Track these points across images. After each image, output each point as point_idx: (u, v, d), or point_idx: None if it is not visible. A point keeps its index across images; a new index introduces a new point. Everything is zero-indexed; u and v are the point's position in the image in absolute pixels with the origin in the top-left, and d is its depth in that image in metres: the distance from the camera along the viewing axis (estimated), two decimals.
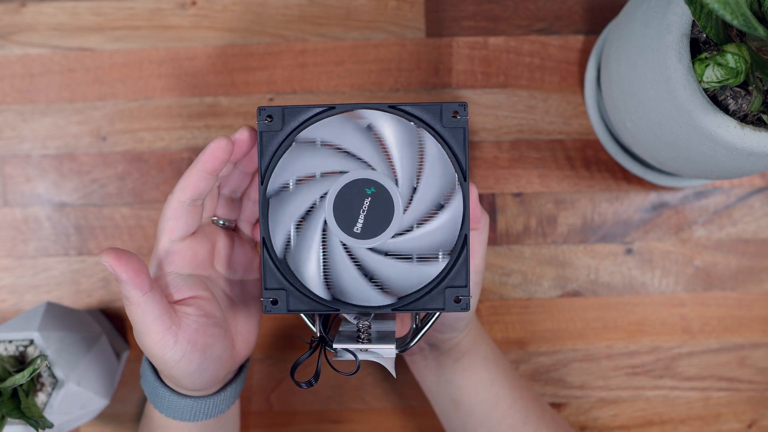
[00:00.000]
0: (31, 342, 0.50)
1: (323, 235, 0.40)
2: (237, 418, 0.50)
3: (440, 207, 0.40)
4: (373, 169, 0.39)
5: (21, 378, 0.45)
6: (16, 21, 0.59)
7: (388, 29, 0.59)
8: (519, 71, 0.59)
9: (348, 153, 0.40)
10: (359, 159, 0.40)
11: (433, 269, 0.40)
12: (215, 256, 0.45)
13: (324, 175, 0.40)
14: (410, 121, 0.39)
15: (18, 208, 0.59)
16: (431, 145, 0.39)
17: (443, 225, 0.39)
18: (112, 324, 0.59)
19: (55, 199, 0.59)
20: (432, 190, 0.39)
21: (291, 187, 0.40)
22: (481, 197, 0.59)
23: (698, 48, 0.43)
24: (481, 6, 0.59)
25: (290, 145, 0.40)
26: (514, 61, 0.59)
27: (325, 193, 0.40)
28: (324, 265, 0.40)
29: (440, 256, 0.40)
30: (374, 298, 0.40)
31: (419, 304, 0.40)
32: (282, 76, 0.59)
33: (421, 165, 0.39)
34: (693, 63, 0.41)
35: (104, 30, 0.59)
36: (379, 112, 0.39)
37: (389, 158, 0.39)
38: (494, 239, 0.59)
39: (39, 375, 0.50)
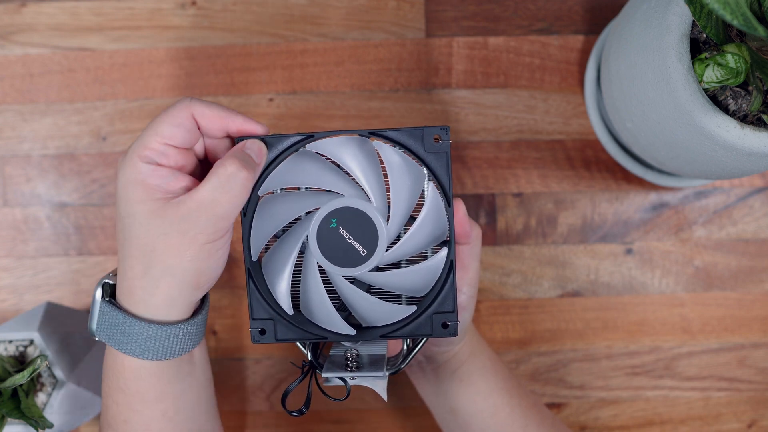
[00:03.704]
0: (31, 342, 0.50)
1: (304, 259, 0.40)
2: (209, 373, 0.46)
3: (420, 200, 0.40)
4: (341, 195, 0.39)
5: (21, 378, 0.45)
6: (16, 21, 0.59)
7: (388, 29, 0.59)
8: (519, 71, 0.59)
9: (320, 191, 0.40)
10: (331, 191, 0.40)
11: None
12: None
13: (308, 214, 0.40)
14: (395, 146, 0.39)
15: (18, 208, 0.59)
16: (391, 157, 0.39)
17: (428, 266, 0.39)
18: None
19: (55, 199, 0.59)
20: (403, 200, 0.39)
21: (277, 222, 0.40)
22: (481, 197, 0.59)
23: (698, 48, 0.43)
24: (481, 6, 0.59)
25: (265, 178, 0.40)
26: (514, 61, 0.59)
27: (310, 223, 0.40)
28: (303, 290, 0.40)
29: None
30: (379, 317, 0.40)
31: (407, 330, 0.40)
32: (282, 76, 0.59)
33: (386, 179, 0.39)
34: (693, 63, 0.41)
35: (104, 30, 0.59)
36: (337, 138, 0.39)
37: (358, 183, 0.39)
38: (494, 239, 0.59)
39: (39, 375, 0.50)
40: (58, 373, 0.49)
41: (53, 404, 0.49)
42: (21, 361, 0.50)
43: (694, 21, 0.42)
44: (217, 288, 0.59)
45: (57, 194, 0.59)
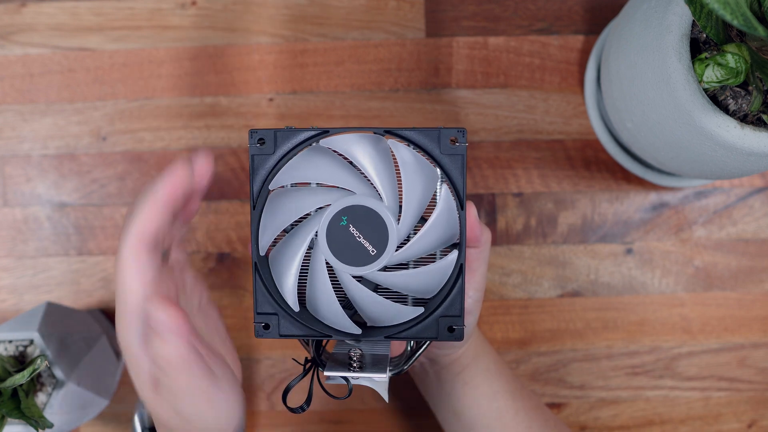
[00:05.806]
0: (31, 342, 0.50)
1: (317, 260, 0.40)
2: None
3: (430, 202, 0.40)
4: (352, 192, 0.39)
5: (21, 378, 0.45)
6: (16, 21, 0.59)
7: (388, 29, 0.59)
8: (519, 71, 0.59)
9: (331, 186, 0.40)
10: (343, 188, 0.39)
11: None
12: None
13: (318, 210, 0.40)
14: (410, 146, 0.38)
15: (18, 208, 0.59)
16: (405, 156, 0.38)
17: (439, 268, 0.39)
18: (112, 324, 0.59)
19: (55, 199, 0.59)
20: (415, 200, 0.39)
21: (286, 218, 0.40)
22: (481, 197, 0.59)
23: (698, 48, 0.43)
24: (481, 6, 0.59)
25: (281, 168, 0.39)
26: (514, 61, 0.59)
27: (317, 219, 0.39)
28: (310, 287, 0.40)
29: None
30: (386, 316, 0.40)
31: (412, 332, 0.40)
32: (282, 76, 0.59)
33: (398, 178, 0.39)
34: (693, 63, 0.41)
35: (104, 30, 0.59)
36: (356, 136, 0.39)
37: (370, 180, 0.39)
38: (494, 239, 0.59)
39: (39, 375, 0.50)
40: (58, 373, 0.49)
41: (53, 404, 0.49)
42: (21, 361, 0.50)
43: (694, 21, 0.42)
44: (217, 288, 0.59)
45: (57, 194, 0.59)
